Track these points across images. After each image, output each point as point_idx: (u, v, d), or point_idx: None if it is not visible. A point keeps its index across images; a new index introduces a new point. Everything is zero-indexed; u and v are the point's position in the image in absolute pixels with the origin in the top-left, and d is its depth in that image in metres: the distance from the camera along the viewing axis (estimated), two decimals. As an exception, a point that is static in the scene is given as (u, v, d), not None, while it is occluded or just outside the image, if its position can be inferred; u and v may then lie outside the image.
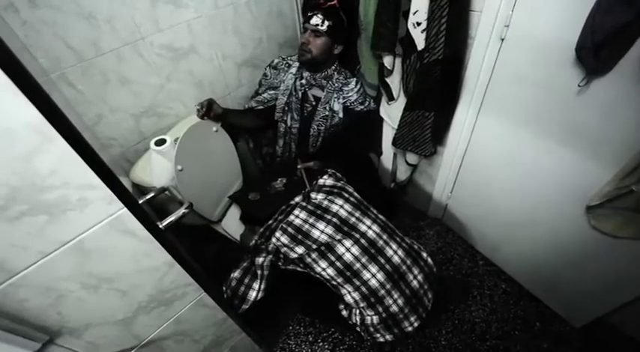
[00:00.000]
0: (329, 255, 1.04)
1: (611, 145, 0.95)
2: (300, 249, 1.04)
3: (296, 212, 1.10)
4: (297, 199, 1.18)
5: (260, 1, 1.47)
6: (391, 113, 1.45)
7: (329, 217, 1.07)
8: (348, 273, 1.04)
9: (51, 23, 1.01)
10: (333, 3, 1.31)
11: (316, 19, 1.29)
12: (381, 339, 1.11)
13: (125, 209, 0.54)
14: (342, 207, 1.10)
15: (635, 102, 0.85)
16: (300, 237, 1.05)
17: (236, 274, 1.13)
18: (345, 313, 1.14)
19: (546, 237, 1.29)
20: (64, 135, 0.42)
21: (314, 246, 1.03)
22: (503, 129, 1.22)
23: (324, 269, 1.04)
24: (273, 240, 1.06)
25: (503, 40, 1.05)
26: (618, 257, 1.08)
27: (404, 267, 1.09)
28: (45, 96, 0.39)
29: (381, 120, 1.56)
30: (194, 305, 0.83)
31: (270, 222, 1.16)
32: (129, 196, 0.54)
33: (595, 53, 0.81)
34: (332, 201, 1.11)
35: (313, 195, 1.14)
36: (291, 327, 1.49)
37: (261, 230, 1.15)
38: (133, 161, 1.37)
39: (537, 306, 1.47)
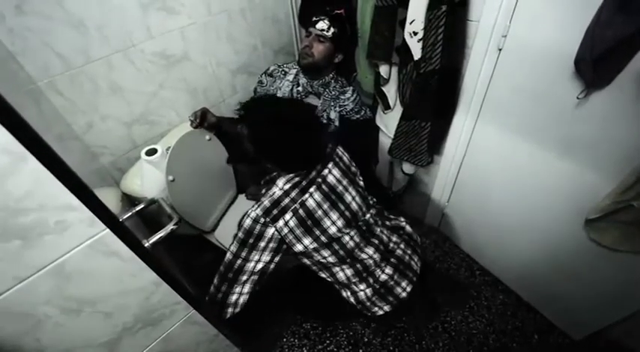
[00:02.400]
0: (333, 244, 1.00)
1: (610, 159, 0.93)
2: (307, 240, 0.95)
3: (311, 189, 0.95)
4: (313, 174, 0.99)
5: (254, 8, 1.45)
6: (387, 122, 1.44)
7: (342, 208, 1.00)
8: (348, 259, 1.04)
9: (38, 30, 0.98)
10: (340, 12, 1.30)
11: (322, 24, 1.28)
12: (381, 312, 1.10)
13: (107, 230, 0.52)
14: (354, 198, 1.04)
15: (634, 116, 0.84)
16: (309, 222, 0.94)
17: (215, 282, 1.01)
18: (344, 295, 1.11)
19: (544, 247, 1.27)
20: (37, 156, 0.40)
21: (322, 238, 0.96)
22: (501, 139, 1.20)
23: (324, 258, 1.01)
24: (280, 222, 0.91)
25: (500, 50, 1.04)
26: (617, 270, 1.06)
27: (392, 245, 1.13)
28: (13, 113, 0.37)
29: (377, 128, 1.54)
30: (183, 323, 0.80)
31: (279, 193, 0.94)
32: (111, 216, 0.52)
33: (594, 66, 0.79)
34: (346, 189, 1.03)
35: (330, 166, 1.01)
36: (285, 339, 1.46)
37: (267, 204, 0.93)
38: (124, 169, 1.34)
39: (535, 318, 1.45)
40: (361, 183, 1.13)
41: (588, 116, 0.93)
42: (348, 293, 1.09)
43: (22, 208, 0.42)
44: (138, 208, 0.90)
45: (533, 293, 1.46)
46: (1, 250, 0.43)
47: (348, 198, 1.02)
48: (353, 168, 1.11)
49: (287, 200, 0.93)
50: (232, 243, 0.94)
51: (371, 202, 1.15)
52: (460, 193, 1.53)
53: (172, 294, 0.72)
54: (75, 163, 0.47)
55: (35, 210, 0.43)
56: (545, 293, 1.39)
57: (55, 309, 0.54)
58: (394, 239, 1.14)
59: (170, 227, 0.73)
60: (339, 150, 1.09)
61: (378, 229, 1.11)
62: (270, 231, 0.91)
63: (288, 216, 0.91)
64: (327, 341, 1.44)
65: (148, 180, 1.19)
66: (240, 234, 0.93)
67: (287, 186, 0.95)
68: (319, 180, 0.98)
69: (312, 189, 0.95)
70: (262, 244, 0.92)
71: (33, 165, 0.40)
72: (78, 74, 1.10)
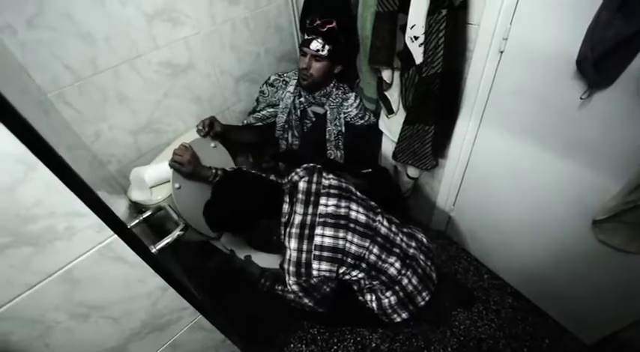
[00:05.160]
0: (362, 264, 1.05)
1: (615, 159, 0.93)
2: (354, 271, 1.05)
3: (318, 231, 1.01)
4: (300, 211, 1.05)
5: (257, 17, 1.48)
6: (391, 127, 1.44)
7: (352, 225, 1.04)
8: (373, 272, 1.08)
9: (48, 43, 1.01)
10: (332, 26, 1.29)
11: (316, 44, 1.27)
12: (398, 319, 1.15)
13: (115, 236, 0.53)
14: (358, 212, 1.07)
15: (638, 115, 0.83)
16: (339, 256, 1.01)
17: (294, 287, 1.05)
18: (369, 298, 1.15)
19: (553, 249, 1.26)
20: (48, 165, 0.41)
21: (349, 261, 1.03)
22: (505, 141, 1.20)
23: (354, 276, 1.07)
24: (314, 272, 0.99)
25: (502, 52, 1.04)
26: (627, 271, 1.04)
27: (411, 251, 1.15)
28: (25, 124, 0.38)
29: (381, 133, 1.55)
30: (190, 328, 0.81)
31: (295, 253, 1.02)
32: (119, 222, 0.53)
33: (596, 66, 0.79)
34: (348, 207, 1.07)
35: (323, 201, 1.05)
36: (292, 345, 1.45)
37: (292, 269, 1.02)
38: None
39: (546, 322, 1.43)
40: (358, 194, 1.16)
41: (592, 116, 0.92)
42: (373, 298, 1.13)
43: (33, 215, 0.43)
44: (145, 215, 0.91)
45: (543, 296, 1.44)
46: (12, 256, 0.44)
47: (353, 214, 1.06)
48: (344, 185, 1.13)
49: (304, 255, 1.00)
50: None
51: (378, 209, 1.17)
52: (466, 196, 1.52)
53: (179, 300, 0.73)
54: (84, 172, 0.48)
55: (45, 217, 0.45)
56: (555, 296, 1.37)
57: (64, 315, 0.55)
58: (413, 245, 1.17)
59: (177, 232, 0.74)
60: (324, 179, 1.11)
61: (398, 238, 1.13)
62: (314, 283, 1.01)
63: (315, 265, 0.99)
64: (335, 347, 1.43)
65: (154, 187, 1.20)
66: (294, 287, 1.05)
67: (296, 243, 1.01)
68: (320, 220, 1.02)
69: (318, 230, 1.00)
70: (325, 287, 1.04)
71: (44, 173, 0.42)
72: (86, 85, 1.13)
